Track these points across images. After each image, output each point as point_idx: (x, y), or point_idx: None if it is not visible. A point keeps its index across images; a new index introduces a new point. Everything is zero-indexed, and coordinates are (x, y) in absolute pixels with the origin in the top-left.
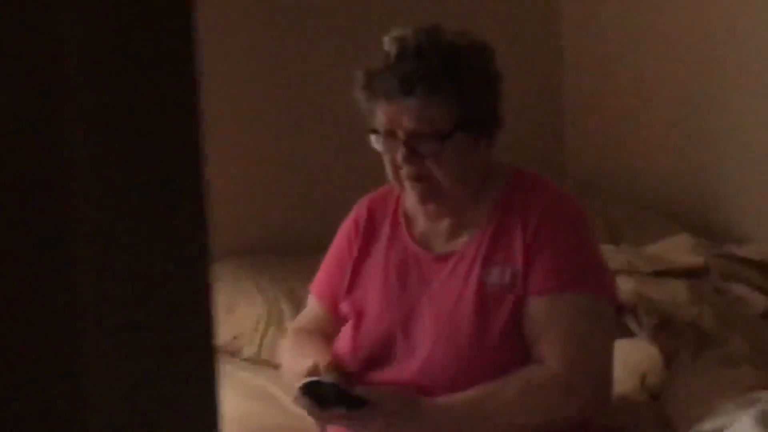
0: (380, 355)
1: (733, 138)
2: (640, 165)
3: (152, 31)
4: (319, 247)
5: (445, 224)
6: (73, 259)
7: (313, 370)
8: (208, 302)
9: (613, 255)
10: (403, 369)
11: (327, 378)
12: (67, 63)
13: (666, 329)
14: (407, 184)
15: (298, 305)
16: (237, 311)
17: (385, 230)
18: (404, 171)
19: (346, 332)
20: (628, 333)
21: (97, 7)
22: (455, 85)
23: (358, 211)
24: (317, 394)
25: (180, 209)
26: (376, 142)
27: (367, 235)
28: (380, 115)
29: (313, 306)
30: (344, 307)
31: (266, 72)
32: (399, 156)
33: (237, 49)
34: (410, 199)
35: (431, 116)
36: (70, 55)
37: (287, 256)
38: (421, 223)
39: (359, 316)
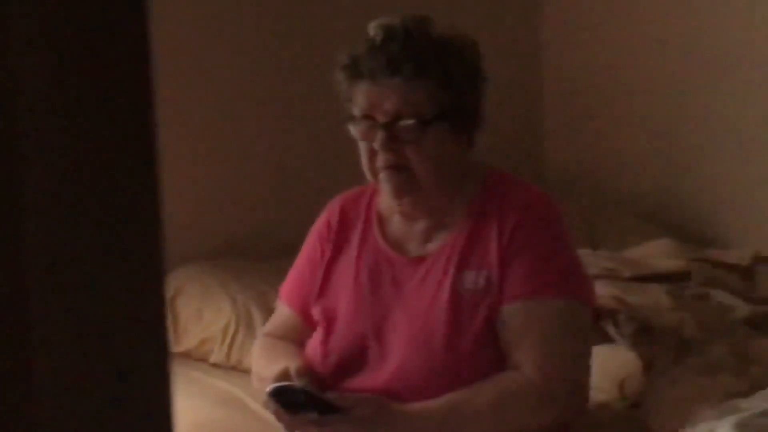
0: (352, 361)
1: (715, 141)
2: (619, 168)
3: (105, 31)
4: (290, 250)
5: (419, 226)
6: (25, 268)
7: (283, 375)
8: (161, 311)
9: (591, 259)
10: (376, 375)
11: (297, 383)
12: (21, 68)
13: (645, 335)
14: (382, 175)
15: (268, 309)
16: (205, 315)
17: (358, 231)
18: (381, 159)
19: (317, 338)
20: (606, 339)
21: (49, 8)
22: (442, 70)
23: (330, 211)
24: (287, 399)
25: (134, 217)
26: (353, 129)
27: (339, 236)
28: (361, 98)
29: (283, 311)
30: (315, 312)
31: (234, 70)
32: (377, 142)
33: (202, 47)
34: (385, 198)
35: (415, 99)
36: (23, 58)
37: (256, 259)
38: (395, 225)
39: (330, 321)
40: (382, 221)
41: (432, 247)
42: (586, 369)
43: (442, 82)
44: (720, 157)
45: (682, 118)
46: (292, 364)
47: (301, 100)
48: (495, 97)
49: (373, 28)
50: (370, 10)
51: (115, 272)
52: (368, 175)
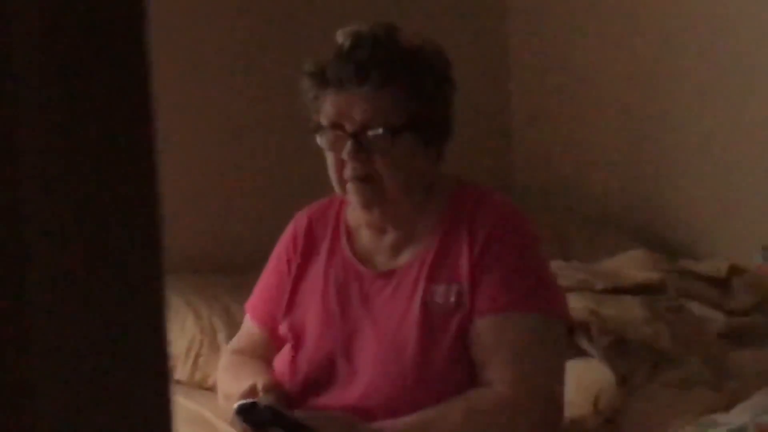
0: (320, 378)
1: (688, 149)
2: (591, 177)
3: (103, 53)
4: (256, 263)
5: (388, 239)
6: (26, 282)
7: (250, 392)
8: (161, 323)
9: (563, 271)
10: (345, 393)
11: (264, 400)
12: (19, 85)
13: (620, 349)
14: (351, 186)
15: (233, 325)
16: (169, 331)
17: (326, 244)
18: (349, 169)
19: (284, 354)
20: (580, 353)
21: (48, 22)
22: (411, 80)
23: (297, 223)
24: (253, 417)
25: (133, 229)
26: (320, 138)
27: (307, 249)
28: (328, 106)
29: (249, 327)
30: (283, 329)
31: (196, 81)
32: (345, 151)
33: (169, 61)
34: (353, 209)
35: (384, 108)
36: (21, 74)
37: (221, 272)
38: (363, 237)
39: (298, 337)
40: (350, 234)
41: (401, 260)
42: (560, 385)
43: (411, 91)
44: (693, 166)
45: (653, 126)
46: (259, 380)
47: (268, 112)
48: (463, 107)
49: (341, 35)
50: (337, 24)
51: (116, 287)
52: (336, 187)
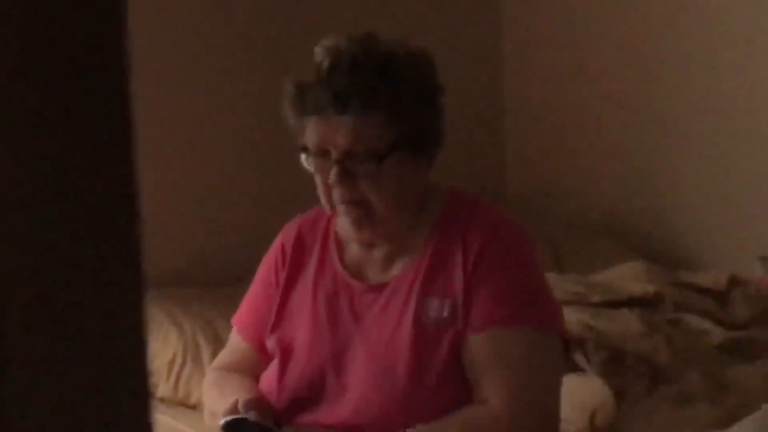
0: (309, 394)
1: (688, 156)
2: (586, 185)
3: (81, 63)
4: (241, 276)
5: (379, 251)
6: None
7: (236, 408)
8: (142, 341)
9: (559, 284)
10: (334, 410)
11: (250, 416)
12: None
13: (617, 364)
14: (340, 209)
15: (217, 341)
16: (150, 347)
17: (315, 257)
18: (337, 193)
19: (272, 370)
20: (576, 368)
21: (24, 33)
22: (392, 100)
23: (286, 235)
24: None
25: (112, 243)
26: (306, 161)
27: (295, 261)
28: (311, 132)
29: (236, 342)
30: (270, 344)
31: (176, 93)
32: (331, 178)
33: (151, 71)
34: (343, 223)
35: (367, 134)
36: None
37: (205, 286)
38: (353, 250)
39: (286, 352)
40: (340, 245)
41: (393, 273)
42: (555, 401)
43: (394, 112)
44: (693, 174)
45: (650, 134)
46: (242, 396)
47: (249, 123)
48: (454, 113)
49: (319, 53)
50: (326, 25)
51: (93, 297)
52: (325, 207)
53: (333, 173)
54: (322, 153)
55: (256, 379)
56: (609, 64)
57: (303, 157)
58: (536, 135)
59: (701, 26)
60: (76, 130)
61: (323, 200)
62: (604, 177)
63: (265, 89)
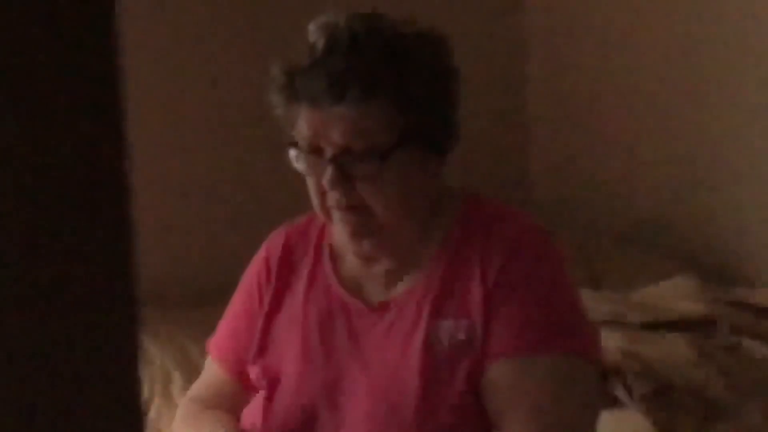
0: None
1: (741, 157)
2: (623, 190)
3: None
4: (219, 295)
5: (382, 266)
6: None
7: None
8: (135, 359)
9: (594, 303)
10: None
11: None
12: None
13: (663, 398)
14: (336, 215)
15: (191, 370)
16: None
17: (305, 271)
18: (332, 198)
19: (256, 404)
20: (614, 402)
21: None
22: (398, 87)
23: (271, 246)
24: None
25: (105, 255)
26: (296, 159)
27: (282, 276)
28: (303, 124)
29: (213, 372)
30: (253, 373)
31: (155, 99)
32: (326, 179)
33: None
34: (340, 233)
35: (367, 128)
36: None
37: (176, 307)
38: (351, 263)
39: (272, 384)
40: (335, 258)
41: (398, 290)
42: None
43: (400, 101)
44: (746, 178)
45: (701, 131)
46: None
47: (232, 133)
48: (473, 110)
49: (313, 32)
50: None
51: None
52: (319, 213)
53: (327, 174)
54: (314, 150)
55: (237, 414)
56: (645, 58)
57: (292, 154)
58: (564, 134)
59: (749, 18)
60: (65, 137)
61: (316, 206)
62: (644, 180)
63: (250, 94)
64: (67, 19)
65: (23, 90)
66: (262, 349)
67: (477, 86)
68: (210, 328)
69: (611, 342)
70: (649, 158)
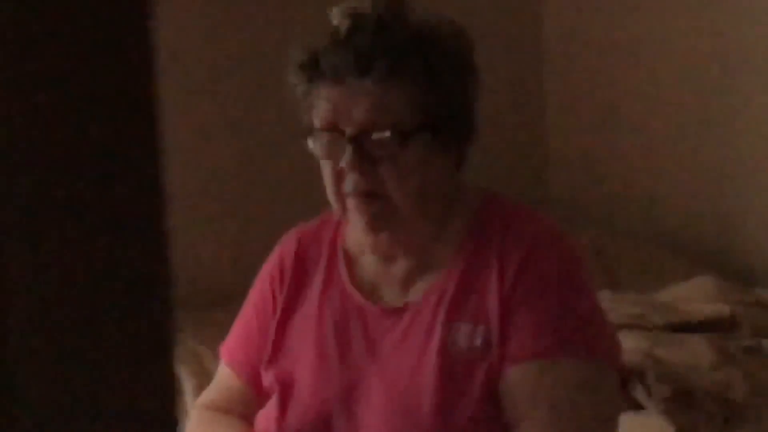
0: None
1: (757, 154)
2: (642, 187)
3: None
4: (231, 298)
5: (398, 267)
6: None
7: None
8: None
9: (613, 305)
10: None
11: None
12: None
13: (683, 400)
14: (352, 203)
15: (203, 374)
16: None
17: (320, 274)
18: (349, 183)
19: (270, 410)
20: (635, 405)
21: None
22: (423, 69)
23: (284, 248)
24: None
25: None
26: (313, 142)
27: (296, 280)
28: (323, 104)
29: (226, 377)
30: (267, 379)
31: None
32: (344, 160)
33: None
34: (355, 231)
35: (391, 104)
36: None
37: (188, 309)
38: (367, 265)
39: (286, 389)
40: (350, 260)
41: (414, 293)
42: None
43: (424, 82)
44: (762, 177)
45: (718, 129)
46: None
47: (236, 133)
48: (491, 106)
49: (336, 15)
50: None
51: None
52: (333, 203)
53: (347, 155)
54: (333, 130)
55: (250, 421)
56: (669, 51)
57: (310, 141)
58: (583, 131)
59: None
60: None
61: (331, 194)
62: (663, 177)
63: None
64: (102, 22)
65: (57, 93)
66: (276, 355)
67: (495, 85)
68: (221, 331)
69: (631, 344)
70: (668, 157)
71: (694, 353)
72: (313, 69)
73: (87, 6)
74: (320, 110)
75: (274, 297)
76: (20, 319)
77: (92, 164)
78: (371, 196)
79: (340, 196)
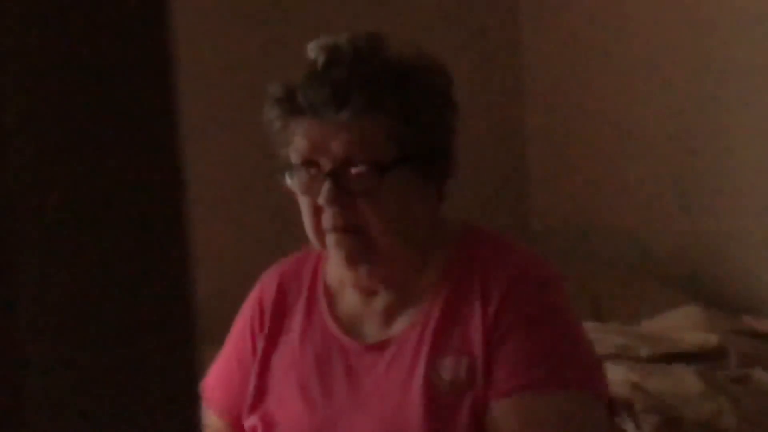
0: None
1: (749, 180)
2: (626, 217)
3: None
4: (211, 334)
5: (379, 301)
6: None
7: None
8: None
9: (598, 335)
10: None
11: None
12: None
13: (672, 430)
14: (330, 238)
15: None
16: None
17: (300, 311)
18: (327, 218)
19: None
20: None
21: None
22: (401, 103)
23: (264, 286)
24: None
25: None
26: (290, 178)
27: (276, 320)
28: (299, 139)
29: (206, 417)
30: (249, 422)
31: None
32: (322, 196)
33: None
34: (335, 266)
35: (369, 139)
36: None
37: None
38: (347, 301)
39: (269, 429)
40: (330, 296)
41: (397, 328)
42: None
43: (402, 116)
44: (754, 202)
45: (700, 162)
46: None
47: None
48: (470, 135)
49: (313, 50)
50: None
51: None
52: (312, 238)
53: (324, 190)
54: (310, 166)
55: None
56: (653, 80)
57: (287, 176)
58: (564, 160)
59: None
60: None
61: (309, 230)
62: (647, 207)
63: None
64: (119, 25)
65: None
66: (258, 398)
67: (475, 118)
68: (208, 368)
69: (619, 375)
70: (652, 186)
71: (682, 383)
72: (288, 104)
73: (106, 13)
74: (297, 145)
75: (253, 338)
76: (34, 344)
77: (114, 178)
78: (350, 231)
79: (319, 232)
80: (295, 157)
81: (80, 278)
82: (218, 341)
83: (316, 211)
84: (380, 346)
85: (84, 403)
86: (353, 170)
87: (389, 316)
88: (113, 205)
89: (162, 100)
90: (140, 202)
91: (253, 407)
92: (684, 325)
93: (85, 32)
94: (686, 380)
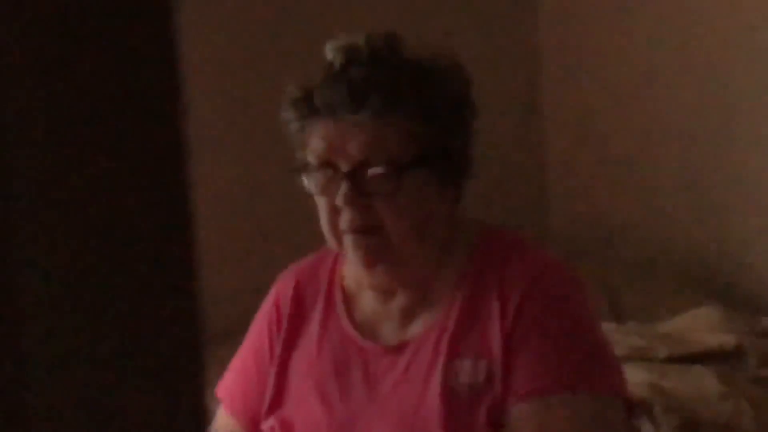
0: None
1: (763, 180)
2: (644, 218)
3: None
4: (228, 335)
5: (396, 303)
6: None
7: None
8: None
9: (616, 336)
10: None
11: None
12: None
13: None
14: (348, 239)
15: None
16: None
17: (318, 313)
18: (345, 219)
19: None
20: None
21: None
22: (418, 103)
23: (281, 288)
24: None
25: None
26: (308, 179)
27: (294, 322)
28: (317, 140)
29: (224, 420)
30: (267, 424)
31: None
32: (339, 196)
33: None
34: (352, 267)
35: (386, 140)
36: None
37: None
38: (365, 302)
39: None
40: (348, 297)
41: (414, 330)
42: None
43: (420, 116)
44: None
45: (719, 158)
46: None
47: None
48: (488, 137)
49: (330, 50)
50: None
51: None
52: (329, 239)
53: (342, 191)
54: (328, 167)
55: None
56: (668, 84)
57: (304, 177)
58: (583, 160)
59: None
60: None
61: (327, 231)
62: (666, 208)
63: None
64: (125, 32)
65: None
66: (276, 401)
67: (494, 119)
68: (217, 368)
69: (637, 376)
70: (670, 186)
71: (701, 384)
72: (306, 105)
73: (112, 19)
74: (315, 147)
75: (271, 341)
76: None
77: (119, 186)
78: (367, 232)
79: (337, 233)
80: (312, 158)
81: (82, 279)
82: (236, 341)
83: (334, 212)
84: (398, 348)
85: (85, 404)
86: (371, 171)
87: (407, 317)
88: (116, 205)
89: (168, 97)
90: (144, 202)
91: (271, 409)
92: (703, 326)
93: (91, 33)
94: (705, 381)
